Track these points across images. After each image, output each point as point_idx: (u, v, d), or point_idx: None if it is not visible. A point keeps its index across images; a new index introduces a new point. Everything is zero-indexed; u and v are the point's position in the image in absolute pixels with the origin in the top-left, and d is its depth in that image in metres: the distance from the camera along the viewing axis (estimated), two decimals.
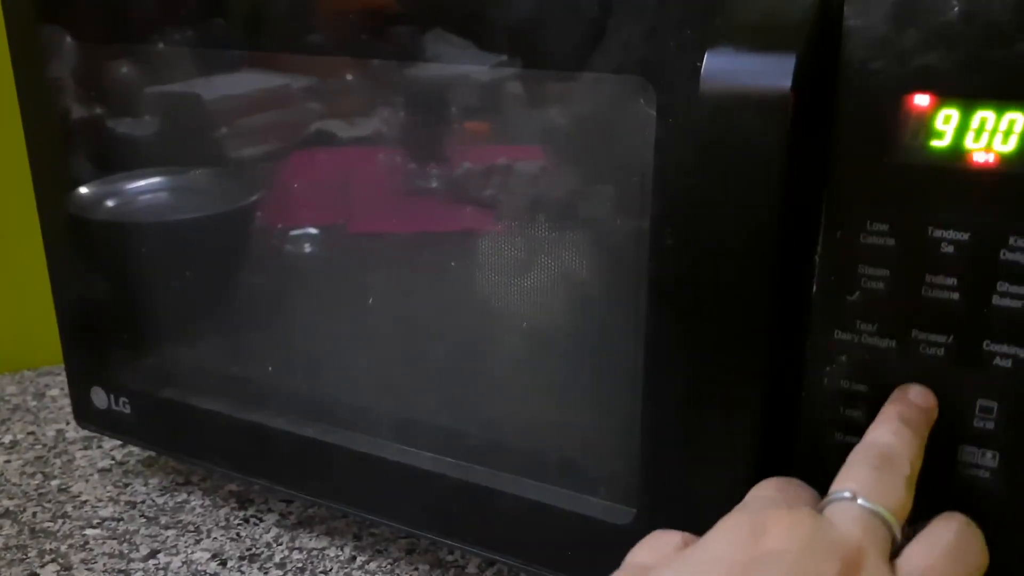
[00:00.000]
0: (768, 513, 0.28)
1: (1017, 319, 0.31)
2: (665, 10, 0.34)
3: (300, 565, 0.54)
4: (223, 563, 0.54)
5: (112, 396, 0.58)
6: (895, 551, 0.28)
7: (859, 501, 0.28)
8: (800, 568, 0.26)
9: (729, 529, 0.28)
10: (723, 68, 0.31)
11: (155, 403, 0.56)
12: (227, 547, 0.56)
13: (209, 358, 0.56)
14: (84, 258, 0.56)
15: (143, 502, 0.60)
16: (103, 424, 0.59)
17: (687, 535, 0.31)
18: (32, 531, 0.57)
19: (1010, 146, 0.30)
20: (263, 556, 0.55)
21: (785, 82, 0.29)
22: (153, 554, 0.55)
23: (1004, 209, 0.30)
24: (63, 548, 0.56)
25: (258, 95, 0.49)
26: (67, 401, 0.62)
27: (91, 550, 0.55)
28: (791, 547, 0.26)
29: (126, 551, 0.55)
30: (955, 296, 0.31)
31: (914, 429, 0.31)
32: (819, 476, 0.31)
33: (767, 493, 0.31)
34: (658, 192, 0.36)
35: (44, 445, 0.67)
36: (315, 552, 0.55)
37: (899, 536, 0.28)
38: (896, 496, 0.29)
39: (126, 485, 0.62)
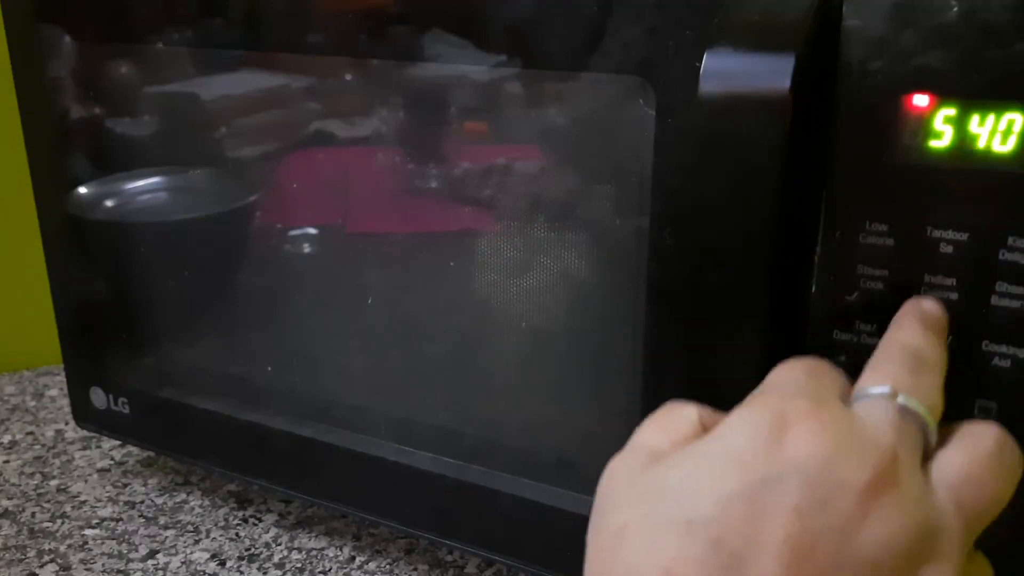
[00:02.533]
0: (793, 405, 0.25)
1: (1016, 319, 0.31)
2: (664, 10, 0.34)
3: (299, 565, 0.54)
4: (222, 563, 0.54)
5: (111, 396, 0.58)
6: (926, 455, 0.26)
7: (899, 399, 0.26)
8: (825, 479, 0.23)
9: (749, 422, 0.25)
10: (722, 68, 0.31)
11: (154, 403, 0.56)
12: (226, 547, 0.55)
13: (208, 358, 0.56)
14: (83, 258, 0.56)
15: (142, 502, 0.60)
16: (102, 424, 0.59)
17: (704, 412, 0.28)
18: (31, 531, 0.57)
19: (1009, 146, 0.30)
20: (262, 556, 0.55)
21: (784, 82, 0.29)
22: (152, 554, 0.55)
23: (1003, 209, 0.30)
24: (62, 548, 0.56)
25: (257, 95, 0.49)
26: (66, 401, 0.62)
27: (90, 550, 0.55)
28: (815, 452, 0.23)
29: (125, 551, 0.55)
30: (954, 296, 0.31)
31: (938, 335, 0.29)
32: None
33: (794, 376, 0.28)
34: (657, 192, 0.36)
35: (43, 445, 0.67)
36: (314, 552, 0.55)
37: (933, 440, 0.26)
38: (934, 396, 0.27)
39: (125, 485, 0.62)
